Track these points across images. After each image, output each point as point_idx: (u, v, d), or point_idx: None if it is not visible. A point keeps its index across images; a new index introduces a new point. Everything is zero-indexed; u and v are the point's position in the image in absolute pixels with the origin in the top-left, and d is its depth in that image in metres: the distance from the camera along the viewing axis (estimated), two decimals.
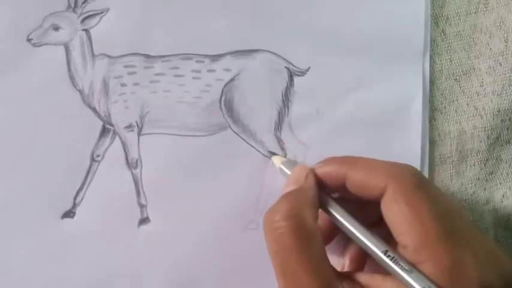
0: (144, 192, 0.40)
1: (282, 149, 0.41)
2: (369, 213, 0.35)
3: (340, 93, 0.41)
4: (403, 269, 0.31)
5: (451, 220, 0.32)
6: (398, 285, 0.31)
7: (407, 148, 0.41)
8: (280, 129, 0.41)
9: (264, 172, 0.41)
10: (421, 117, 0.41)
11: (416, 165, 0.42)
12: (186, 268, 0.40)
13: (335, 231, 0.37)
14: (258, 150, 0.41)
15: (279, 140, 0.41)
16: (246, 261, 0.40)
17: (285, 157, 0.40)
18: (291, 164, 0.39)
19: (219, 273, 0.40)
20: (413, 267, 0.31)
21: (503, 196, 0.44)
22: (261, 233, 0.40)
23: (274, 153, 0.41)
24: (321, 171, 0.36)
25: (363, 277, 0.33)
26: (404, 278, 0.31)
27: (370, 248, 0.33)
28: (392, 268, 0.32)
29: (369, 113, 0.41)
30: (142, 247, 0.40)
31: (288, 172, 0.38)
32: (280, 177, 0.41)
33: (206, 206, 0.40)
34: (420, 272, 0.31)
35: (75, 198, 0.39)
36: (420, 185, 0.33)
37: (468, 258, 0.31)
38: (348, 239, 0.36)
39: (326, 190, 0.36)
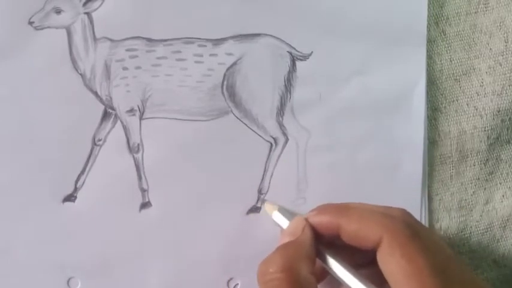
0: (145, 177, 0.40)
1: (284, 134, 0.41)
2: (362, 255, 0.35)
3: (342, 77, 0.41)
4: None
5: (448, 270, 0.32)
6: None
7: (410, 132, 0.41)
8: (282, 114, 0.41)
9: (265, 157, 0.41)
10: (424, 101, 0.41)
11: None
12: (187, 252, 0.40)
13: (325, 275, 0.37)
14: (259, 135, 0.41)
15: (281, 125, 0.41)
16: (248, 245, 0.40)
17: (276, 205, 0.39)
18: (285, 212, 0.38)
19: (220, 257, 0.40)
20: None
21: (503, 196, 0.44)
22: (263, 217, 0.40)
23: (265, 200, 0.40)
24: (315, 221, 0.36)
25: None
26: None
27: None
28: None
29: (372, 98, 0.41)
30: (144, 231, 0.40)
31: (283, 222, 0.38)
32: (282, 163, 0.41)
33: (207, 190, 0.40)
34: None
35: (76, 182, 0.39)
36: (415, 236, 0.33)
37: None
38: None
39: (321, 240, 0.36)
